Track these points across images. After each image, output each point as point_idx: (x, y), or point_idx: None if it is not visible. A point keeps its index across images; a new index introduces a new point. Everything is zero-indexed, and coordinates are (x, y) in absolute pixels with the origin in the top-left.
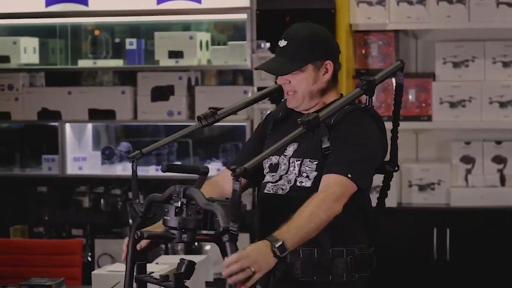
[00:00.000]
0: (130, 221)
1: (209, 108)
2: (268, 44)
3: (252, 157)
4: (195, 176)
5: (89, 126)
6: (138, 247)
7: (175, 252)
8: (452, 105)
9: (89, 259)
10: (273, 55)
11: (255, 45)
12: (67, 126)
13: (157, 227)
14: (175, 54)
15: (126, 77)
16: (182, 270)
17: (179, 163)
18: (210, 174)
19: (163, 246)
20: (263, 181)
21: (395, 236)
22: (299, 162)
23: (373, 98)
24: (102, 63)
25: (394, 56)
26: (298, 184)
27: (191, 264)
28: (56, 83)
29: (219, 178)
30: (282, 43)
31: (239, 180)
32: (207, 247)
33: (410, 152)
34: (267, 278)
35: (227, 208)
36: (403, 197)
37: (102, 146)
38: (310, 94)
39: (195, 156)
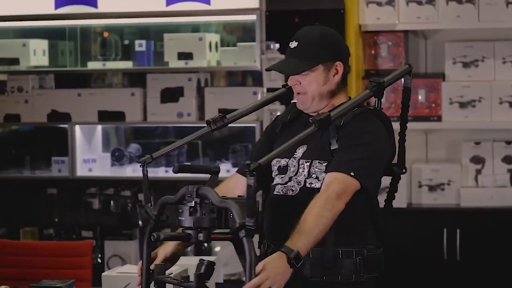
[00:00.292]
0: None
1: (219, 111)
2: (277, 45)
3: (262, 158)
4: (205, 177)
5: (99, 128)
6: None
7: (184, 254)
8: (462, 105)
9: (99, 260)
10: (282, 56)
11: (265, 46)
12: (77, 128)
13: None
14: (185, 56)
15: (136, 79)
16: (202, 270)
17: (189, 163)
18: (220, 175)
19: None
20: (272, 184)
21: (405, 236)
22: (308, 164)
23: (382, 99)
24: (111, 65)
25: (404, 57)
26: (308, 185)
27: (211, 265)
28: (66, 85)
29: (230, 183)
30: (293, 44)
31: (254, 175)
32: (217, 248)
33: (420, 153)
34: None
35: (242, 205)
36: (413, 197)
37: (111, 147)
38: (320, 95)
39: (204, 157)
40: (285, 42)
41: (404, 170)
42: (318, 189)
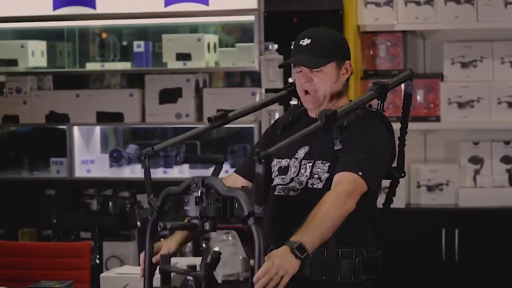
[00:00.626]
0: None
1: (217, 112)
2: (276, 46)
3: None
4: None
5: (97, 129)
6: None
7: (182, 254)
8: (461, 105)
9: (98, 261)
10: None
11: (263, 47)
12: (75, 129)
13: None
14: (183, 57)
15: (134, 80)
16: (209, 260)
17: (194, 154)
18: (220, 175)
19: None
20: (271, 184)
21: (404, 236)
22: (310, 164)
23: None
24: (110, 66)
25: (402, 57)
26: (309, 186)
27: (217, 254)
28: (64, 86)
29: (228, 182)
30: (305, 41)
31: (263, 162)
32: (216, 248)
33: (418, 153)
34: None
35: (248, 194)
36: (411, 197)
37: (110, 148)
38: (330, 94)
39: None
40: (284, 43)
41: (403, 174)
42: (320, 190)
